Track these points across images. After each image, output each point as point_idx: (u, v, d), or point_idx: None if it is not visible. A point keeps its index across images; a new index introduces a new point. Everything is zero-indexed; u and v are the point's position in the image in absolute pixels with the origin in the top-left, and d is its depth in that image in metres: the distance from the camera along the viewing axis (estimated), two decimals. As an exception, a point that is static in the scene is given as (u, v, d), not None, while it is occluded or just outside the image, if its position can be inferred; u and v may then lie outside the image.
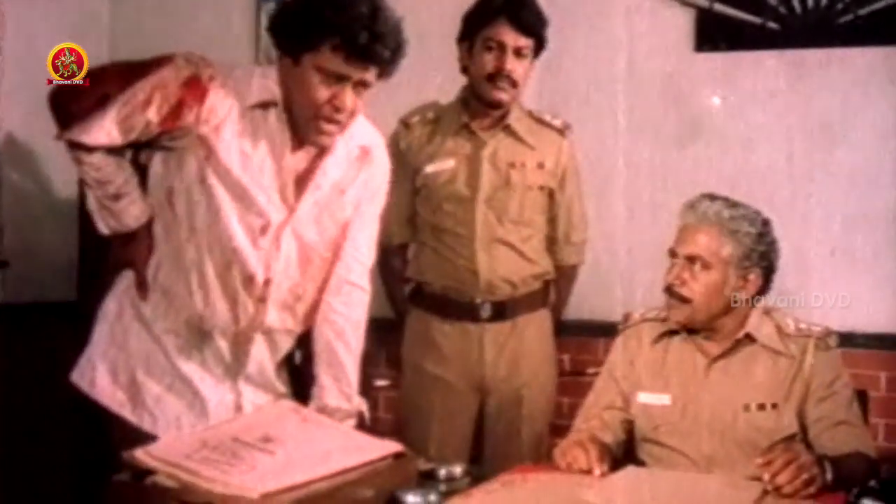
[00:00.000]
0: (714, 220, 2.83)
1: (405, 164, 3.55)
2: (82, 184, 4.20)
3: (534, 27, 3.51)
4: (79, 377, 2.78)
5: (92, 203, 2.73)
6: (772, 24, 4.05)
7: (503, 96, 3.51)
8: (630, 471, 2.71)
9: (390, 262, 3.70)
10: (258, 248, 2.69)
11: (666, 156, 4.15)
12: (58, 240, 4.36)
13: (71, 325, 4.01)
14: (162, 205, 2.71)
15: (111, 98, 2.57)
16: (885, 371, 3.91)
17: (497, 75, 3.48)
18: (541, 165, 3.61)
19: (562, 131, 3.66)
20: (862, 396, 2.98)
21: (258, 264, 2.70)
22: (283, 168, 2.68)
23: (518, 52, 3.49)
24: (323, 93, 2.57)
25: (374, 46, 2.53)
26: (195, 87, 2.59)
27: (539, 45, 3.55)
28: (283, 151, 2.67)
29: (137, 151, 2.70)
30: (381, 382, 4.05)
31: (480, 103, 3.56)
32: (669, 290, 2.86)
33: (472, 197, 3.55)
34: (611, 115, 4.14)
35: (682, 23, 4.15)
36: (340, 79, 2.56)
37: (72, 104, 2.60)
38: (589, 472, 2.62)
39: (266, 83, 2.64)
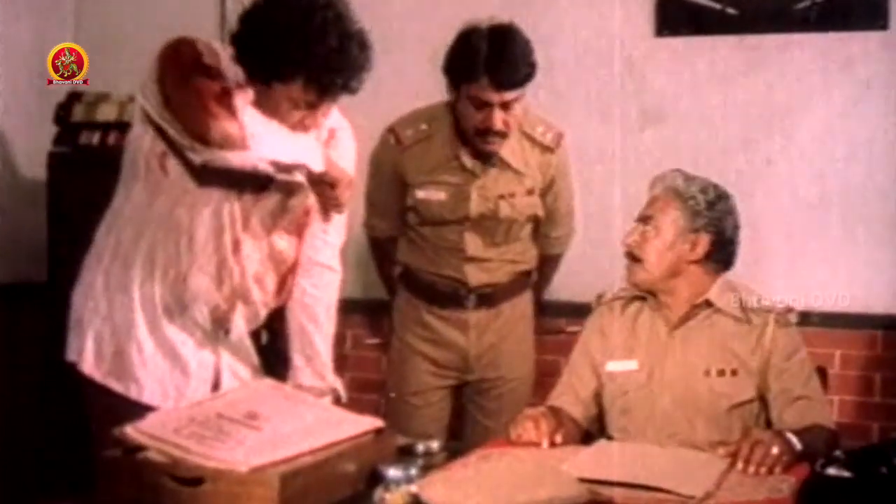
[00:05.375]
0: (670, 187, 3.00)
1: (397, 177, 3.59)
2: (50, 165, 4.29)
3: (518, 81, 3.39)
4: (70, 354, 2.78)
5: None
6: (730, 10, 4.12)
7: (494, 148, 3.47)
8: (603, 444, 2.80)
9: (382, 249, 3.79)
10: None
11: (627, 139, 4.20)
12: (27, 221, 4.35)
13: (41, 306, 4.05)
14: (151, 167, 2.71)
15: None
16: (839, 349, 4.01)
17: (486, 132, 3.42)
18: (531, 192, 3.60)
19: (552, 149, 3.61)
20: (821, 374, 3.08)
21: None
22: None
23: (505, 105, 3.39)
24: (294, 116, 2.62)
25: (348, 84, 2.58)
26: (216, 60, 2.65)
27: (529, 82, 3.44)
28: None
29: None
30: (371, 340, 4.21)
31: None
32: (627, 253, 3.00)
33: (461, 224, 3.57)
34: (573, 99, 4.19)
35: (643, 8, 4.21)
36: (311, 106, 2.62)
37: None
38: (538, 444, 2.73)
39: (238, 73, 2.65)
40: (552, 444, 2.73)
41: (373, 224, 3.77)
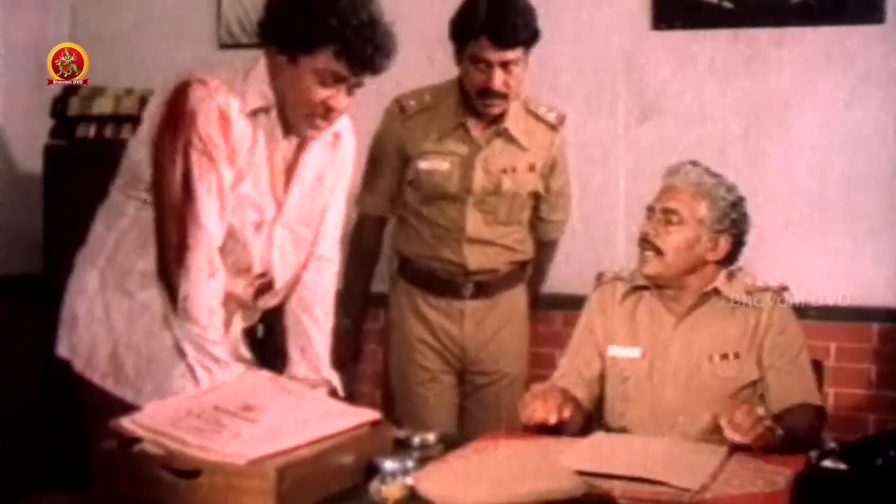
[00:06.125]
0: (694, 181, 2.96)
1: (398, 149, 3.59)
2: (47, 157, 4.29)
3: (517, 40, 3.40)
4: (61, 351, 2.75)
5: None
6: (727, 4, 4.13)
7: (494, 111, 3.49)
8: (599, 436, 2.79)
9: (365, 232, 3.73)
10: (252, 242, 2.73)
11: (623, 132, 4.21)
12: (24, 214, 4.34)
13: (38, 298, 4.05)
14: None
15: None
16: (834, 342, 4.01)
17: (486, 92, 3.43)
18: (532, 167, 3.62)
19: (555, 127, 3.65)
20: (817, 366, 3.08)
21: (253, 257, 2.74)
22: (275, 165, 2.72)
23: (505, 65, 3.41)
24: (319, 94, 2.60)
25: (375, 57, 2.58)
26: (222, 126, 2.61)
27: (530, 45, 3.46)
28: (275, 150, 2.71)
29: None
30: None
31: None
32: (644, 240, 2.96)
33: (463, 199, 3.57)
34: (572, 94, 4.18)
35: (640, 2, 4.21)
36: (338, 80, 2.60)
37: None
38: (546, 422, 2.72)
39: (261, 88, 2.65)
40: (560, 420, 2.71)
41: (363, 200, 3.71)
